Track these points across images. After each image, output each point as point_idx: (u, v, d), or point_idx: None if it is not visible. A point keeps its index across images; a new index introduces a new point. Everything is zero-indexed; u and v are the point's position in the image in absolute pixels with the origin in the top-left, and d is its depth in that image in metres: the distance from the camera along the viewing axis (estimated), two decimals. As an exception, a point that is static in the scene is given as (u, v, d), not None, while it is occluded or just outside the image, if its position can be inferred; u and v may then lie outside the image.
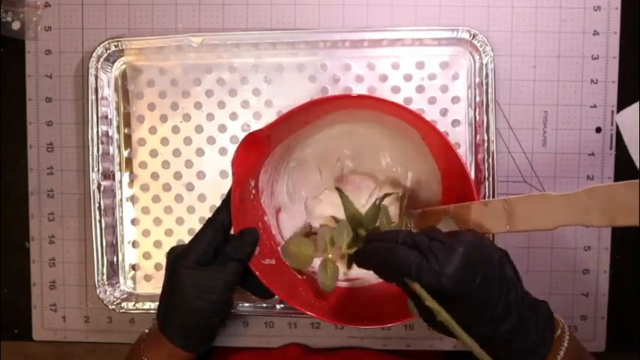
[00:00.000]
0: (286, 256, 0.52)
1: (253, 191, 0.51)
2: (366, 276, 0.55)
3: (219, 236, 0.49)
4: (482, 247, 0.39)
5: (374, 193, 0.55)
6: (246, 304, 0.58)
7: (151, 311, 0.58)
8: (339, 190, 0.54)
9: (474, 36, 0.55)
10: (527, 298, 0.41)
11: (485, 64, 0.55)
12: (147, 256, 0.60)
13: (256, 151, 0.49)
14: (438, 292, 0.37)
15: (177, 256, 0.48)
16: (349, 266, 0.53)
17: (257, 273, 0.49)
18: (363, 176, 0.55)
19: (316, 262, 0.52)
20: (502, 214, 0.41)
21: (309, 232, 0.55)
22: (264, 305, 0.58)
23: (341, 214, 0.54)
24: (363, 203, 0.55)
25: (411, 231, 0.41)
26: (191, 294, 0.47)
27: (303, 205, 0.56)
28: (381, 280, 0.54)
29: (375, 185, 0.55)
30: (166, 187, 0.59)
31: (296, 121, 0.50)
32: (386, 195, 0.54)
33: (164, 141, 0.59)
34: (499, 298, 0.38)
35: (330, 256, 0.50)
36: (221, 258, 0.48)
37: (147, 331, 0.52)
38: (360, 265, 0.44)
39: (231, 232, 0.49)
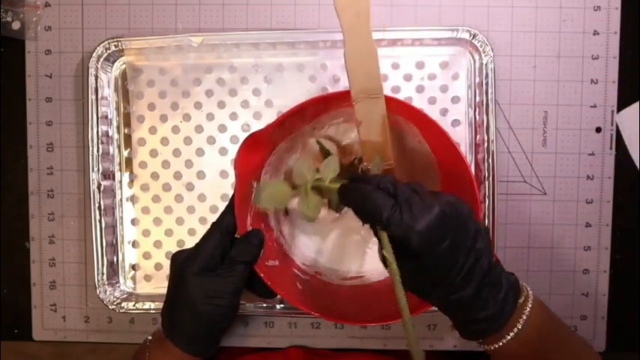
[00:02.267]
0: (259, 199, 0.48)
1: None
2: (367, 274, 0.55)
3: (225, 240, 0.48)
4: (460, 212, 0.39)
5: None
6: (247, 304, 0.58)
7: (151, 311, 0.58)
8: (318, 143, 0.53)
9: (474, 36, 0.55)
10: (494, 270, 0.40)
11: (485, 64, 0.55)
12: (147, 256, 0.60)
13: (257, 152, 0.49)
14: (404, 246, 0.37)
15: (183, 262, 0.48)
16: (326, 201, 0.51)
17: (261, 275, 0.49)
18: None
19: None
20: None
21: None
22: (264, 305, 0.58)
23: None
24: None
25: (394, 178, 0.40)
26: (199, 300, 0.47)
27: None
28: (381, 279, 0.55)
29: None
30: (166, 187, 0.59)
31: (296, 120, 0.50)
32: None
33: (164, 141, 0.59)
34: (462, 266, 0.38)
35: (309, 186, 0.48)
36: (228, 262, 0.48)
37: (150, 337, 0.52)
38: (341, 202, 0.43)
39: (236, 235, 0.49)
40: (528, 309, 0.41)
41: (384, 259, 0.41)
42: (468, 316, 0.40)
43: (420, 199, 0.38)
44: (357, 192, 0.41)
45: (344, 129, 0.54)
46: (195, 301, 0.47)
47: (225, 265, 0.48)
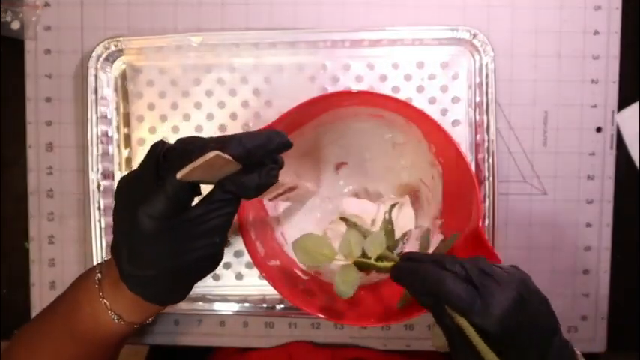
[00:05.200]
0: (298, 250, 0.47)
1: None
2: (367, 274, 0.55)
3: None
4: (532, 287, 0.38)
5: (380, 210, 0.54)
6: (246, 304, 0.58)
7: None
8: (344, 219, 0.53)
9: (474, 36, 0.55)
10: (564, 343, 0.39)
11: (486, 64, 0.55)
12: (147, 256, 0.60)
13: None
14: (485, 333, 0.35)
15: (135, 201, 0.36)
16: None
17: (263, 274, 0.49)
18: (362, 200, 0.55)
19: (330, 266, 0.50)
20: None
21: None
22: (264, 305, 0.58)
23: None
24: (369, 224, 0.54)
25: (458, 258, 0.39)
26: (167, 256, 0.36)
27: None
28: (382, 279, 0.55)
29: (376, 204, 0.55)
30: (166, 187, 0.59)
31: (296, 120, 0.50)
32: (392, 206, 0.54)
33: (164, 141, 0.59)
34: (545, 342, 0.37)
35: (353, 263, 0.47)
36: (217, 193, 0.37)
37: (100, 270, 0.44)
38: (394, 280, 0.41)
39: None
40: None
41: (460, 348, 0.38)
42: None
43: (495, 282, 0.36)
44: (425, 276, 0.38)
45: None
46: (162, 256, 0.36)
47: (209, 201, 0.37)
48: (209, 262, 0.40)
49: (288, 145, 0.38)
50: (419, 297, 0.39)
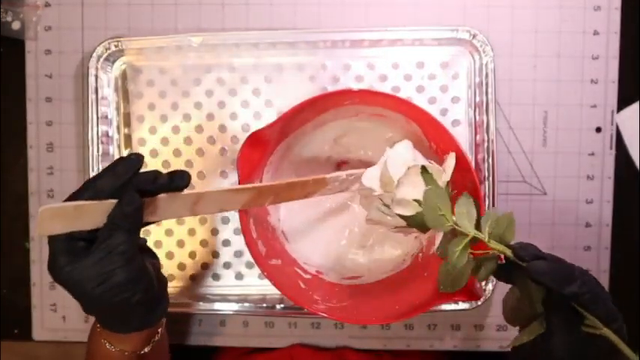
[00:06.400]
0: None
1: None
2: (365, 274, 0.55)
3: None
4: None
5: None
6: (246, 304, 0.58)
7: (151, 311, 0.58)
8: (423, 167, 0.45)
9: (474, 36, 0.55)
10: None
11: (485, 64, 0.55)
12: (147, 256, 0.60)
13: (260, 151, 0.49)
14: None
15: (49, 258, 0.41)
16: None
17: (265, 273, 0.49)
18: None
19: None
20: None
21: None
22: (264, 305, 0.58)
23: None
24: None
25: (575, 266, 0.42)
26: (91, 291, 0.39)
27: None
28: (380, 279, 0.55)
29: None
30: (166, 187, 0.59)
31: (297, 119, 0.50)
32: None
33: (164, 141, 0.59)
34: None
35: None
36: (102, 230, 0.40)
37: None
38: (535, 277, 0.40)
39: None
40: None
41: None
42: None
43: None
44: (588, 286, 0.42)
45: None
46: (88, 291, 0.39)
47: (101, 240, 0.40)
48: (139, 283, 0.41)
49: (134, 163, 0.41)
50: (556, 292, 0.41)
